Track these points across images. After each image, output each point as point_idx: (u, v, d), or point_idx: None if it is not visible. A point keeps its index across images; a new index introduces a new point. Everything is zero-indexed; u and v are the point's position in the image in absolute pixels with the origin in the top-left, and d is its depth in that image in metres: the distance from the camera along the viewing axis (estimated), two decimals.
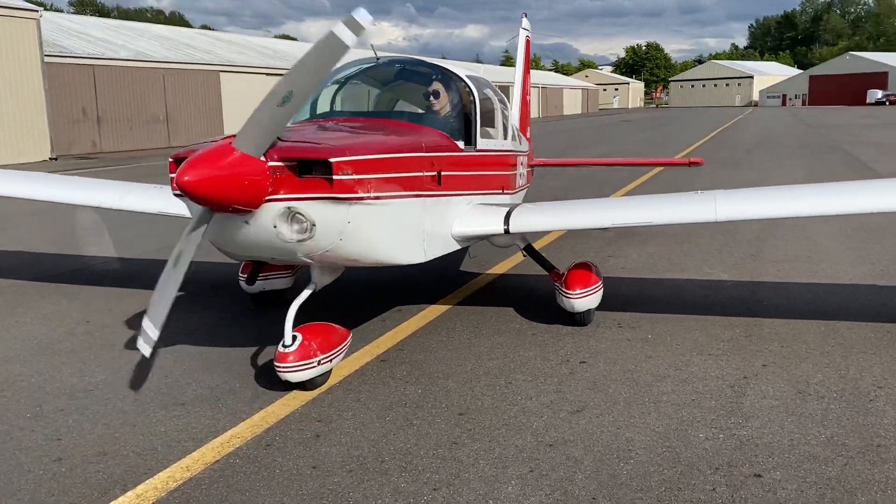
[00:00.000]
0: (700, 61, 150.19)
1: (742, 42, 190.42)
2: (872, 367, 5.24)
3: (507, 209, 6.07)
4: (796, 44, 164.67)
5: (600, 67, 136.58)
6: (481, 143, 6.30)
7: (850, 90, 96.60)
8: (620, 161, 19.42)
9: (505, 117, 7.13)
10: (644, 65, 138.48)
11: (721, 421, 4.44)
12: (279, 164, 4.29)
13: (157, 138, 36.39)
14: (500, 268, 8.53)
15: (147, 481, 3.90)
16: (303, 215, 4.40)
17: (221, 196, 4.06)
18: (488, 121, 6.54)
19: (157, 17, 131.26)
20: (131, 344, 6.09)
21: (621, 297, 7.12)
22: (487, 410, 4.67)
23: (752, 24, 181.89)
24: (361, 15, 3.73)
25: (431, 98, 6.01)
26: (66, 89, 31.48)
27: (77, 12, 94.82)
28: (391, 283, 7.79)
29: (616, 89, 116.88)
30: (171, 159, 4.69)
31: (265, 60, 46.17)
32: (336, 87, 6.28)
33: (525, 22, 11.06)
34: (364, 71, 6.43)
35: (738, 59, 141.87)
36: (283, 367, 4.84)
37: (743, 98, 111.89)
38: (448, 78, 6.17)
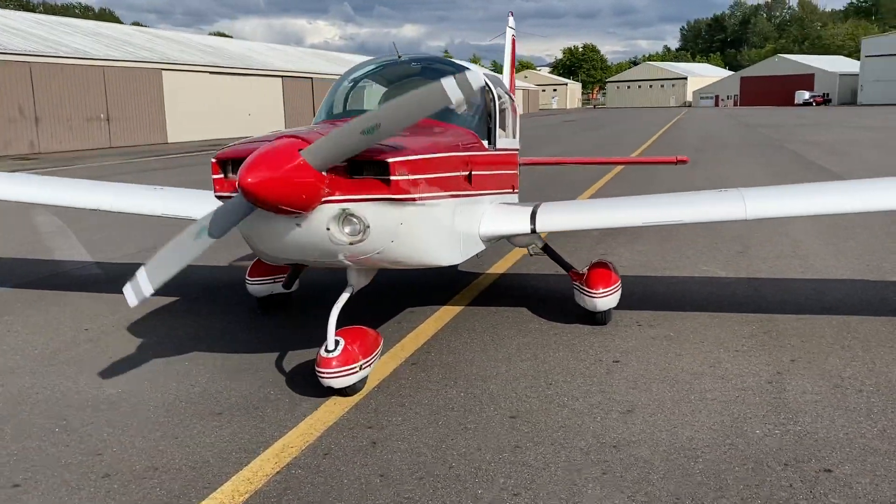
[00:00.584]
0: (635, 63, 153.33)
1: (674, 44, 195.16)
2: None
3: (530, 208, 6.04)
4: (726, 46, 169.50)
5: (538, 68, 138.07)
6: (499, 142, 6.27)
7: (779, 91, 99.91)
8: (606, 160, 19.65)
9: (513, 117, 7.11)
10: (581, 66, 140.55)
11: (771, 417, 4.49)
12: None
13: (98, 138, 35.30)
14: (499, 268, 8.50)
15: (212, 496, 3.74)
16: (357, 217, 4.28)
17: (282, 199, 3.91)
18: (503, 120, 6.50)
19: (86, 13, 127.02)
20: (145, 354, 5.87)
21: (630, 295, 7.15)
22: (538, 412, 4.63)
23: (683, 27, 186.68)
24: (473, 76, 3.75)
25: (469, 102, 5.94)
26: (1, 88, 30.23)
27: None
28: (392, 284, 7.68)
29: (555, 90, 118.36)
30: (214, 160, 4.51)
31: (207, 58, 45.23)
32: (360, 84, 6.16)
33: (511, 21, 11.07)
34: (387, 69, 6.32)
35: (671, 60, 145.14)
36: (328, 373, 4.71)
37: (677, 99, 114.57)
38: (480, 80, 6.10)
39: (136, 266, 4.77)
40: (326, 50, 76.94)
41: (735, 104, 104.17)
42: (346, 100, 6.17)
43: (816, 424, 4.37)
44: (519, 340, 5.99)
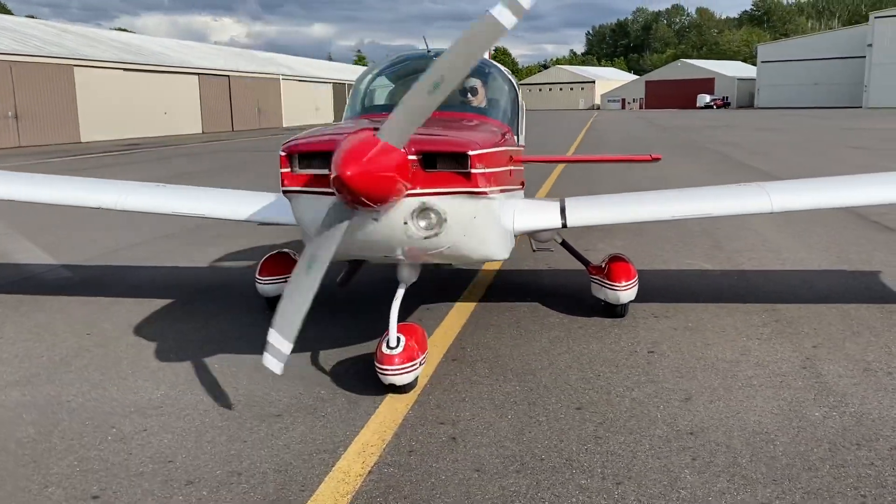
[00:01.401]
0: (545, 66, 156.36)
1: (580, 48, 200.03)
2: None
3: (556, 203, 6.10)
4: (629, 51, 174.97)
5: None
6: (521, 138, 6.32)
7: (681, 94, 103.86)
8: (582, 158, 20.03)
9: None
10: None
11: (822, 400, 4.69)
12: (412, 157, 4.10)
13: (5, 137, 33.41)
14: (491, 265, 8.52)
15: (312, 498, 3.63)
16: (435, 211, 4.23)
17: (378, 192, 3.82)
18: (523, 115, 6.57)
19: None
20: (167, 358, 5.63)
21: None
22: (601, 403, 4.69)
23: (588, 32, 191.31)
24: None
25: (486, 91, 5.95)
26: None
27: None
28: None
29: None
30: (283, 153, 4.35)
31: (120, 55, 43.53)
32: (390, 79, 6.08)
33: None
34: (415, 63, 6.26)
35: (578, 64, 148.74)
36: (391, 370, 4.65)
37: (586, 101, 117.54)
38: (499, 71, 6.13)
39: (106, 268, 4.56)
40: (233, 47, 75.05)
41: (641, 107, 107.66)
42: (379, 94, 6.08)
43: (867, 406, 4.59)
44: (547, 334, 6.04)
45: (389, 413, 4.59)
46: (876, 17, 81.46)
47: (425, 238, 4.32)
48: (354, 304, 6.94)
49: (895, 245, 9.49)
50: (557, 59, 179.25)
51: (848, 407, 4.58)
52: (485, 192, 4.40)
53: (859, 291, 7.31)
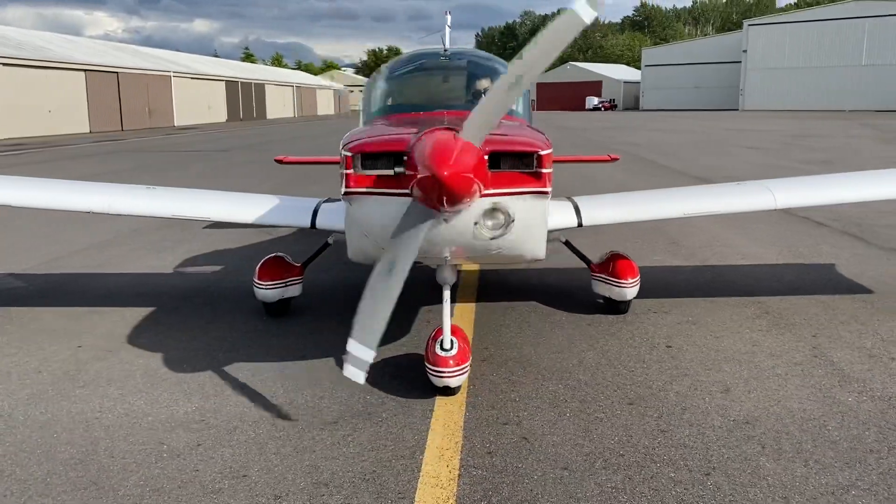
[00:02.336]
0: None
1: None
2: (892, 335, 6.09)
3: (569, 202, 6.19)
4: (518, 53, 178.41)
5: (343, 69, 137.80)
6: None
7: (571, 97, 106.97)
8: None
9: None
10: None
11: (847, 385, 4.96)
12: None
13: None
14: (470, 265, 8.54)
15: None
16: (504, 211, 4.22)
17: (466, 193, 3.76)
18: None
19: None
20: (182, 369, 5.37)
21: None
22: (649, 398, 4.80)
23: (478, 34, 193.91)
24: None
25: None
26: None
27: None
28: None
29: (361, 91, 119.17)
30: (348, 153, 4.22)
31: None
32: (409, 77, 6.00)
33: (449, 20, 11.11)
34: (432, 61, 6.20)
35: None
36: (447, 372, 4.62)
37: None
38: None
39: (63, 277, 4.37)
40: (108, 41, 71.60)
41: (533, 108, 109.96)
42: (399, 92, 5.98)
43: (889, 390, 4.89)
44: (561, 333, 6.12)
45: (447, 416, 4.55)
46: (749, 25, 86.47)
47: (492, 238, 4.30)
48: (320, 310, 6.82)
49: (832, 239, 10.12)
50: None
51: (874, 392, 4.87)
52: (549, 192, 4.42)
53: (827, 283, 7.76)
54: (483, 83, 5.99)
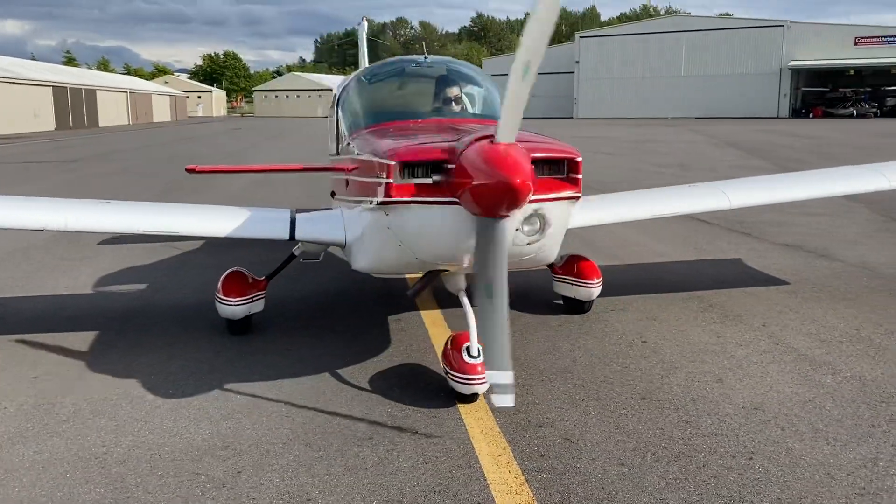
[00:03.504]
0: (279, 73, 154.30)
1: (309, 56, 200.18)
2: (848, 318, 6.67)
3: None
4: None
5: (177, 74, 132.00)
6: None
7: None
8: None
9: None
10: (223, 73, 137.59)
11: (821, 369, 5.39)
12: None
13: None
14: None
15: None
16: (541, 216, 4.29)
17: (528, 197, 3.80)
18: None
19: None
20: (163, 391, 5.15)
21: None
22: (657, 391, 5.03)
23: (317, 40, 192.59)
24: None
25: (491, 99, 6.00)
26: None
27: None
28: (340, 292, 7.41)
29: (199, 97, 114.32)
30: (390, 161, 4.12)
31: None
32: (392, 85, 5.90)
33: (365, 25, 11.04)
34: (413, 69, 6.12)
35: (311, 71, 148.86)
36: (476, 379, 4.64)
37: (324, 109, 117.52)
38: (488, 77, 6.20)
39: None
40: None
41: None
42: (388, 101, 5.88)
43: (855, 370, 5.38)
44: (539, 334, 6.26)
45: (478, 422, 4.57)
46: (581, 37, 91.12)
47: (527, 244, 4.36)
48: (284, 323, 6.67)
49: (726, 236, 10.93)
50: (289, 66, 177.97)
51: (843, 373, 5.35)
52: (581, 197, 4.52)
53: (746, 276, 8.40)
54: (454, 90, 6.02)
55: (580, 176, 4.39)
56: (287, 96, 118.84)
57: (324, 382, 5.24)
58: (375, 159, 4.34)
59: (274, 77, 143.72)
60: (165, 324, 6.69)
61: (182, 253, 9.89)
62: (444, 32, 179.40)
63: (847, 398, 4.88)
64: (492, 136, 3.89)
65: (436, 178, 4.14)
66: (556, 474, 3.93)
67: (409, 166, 4.13)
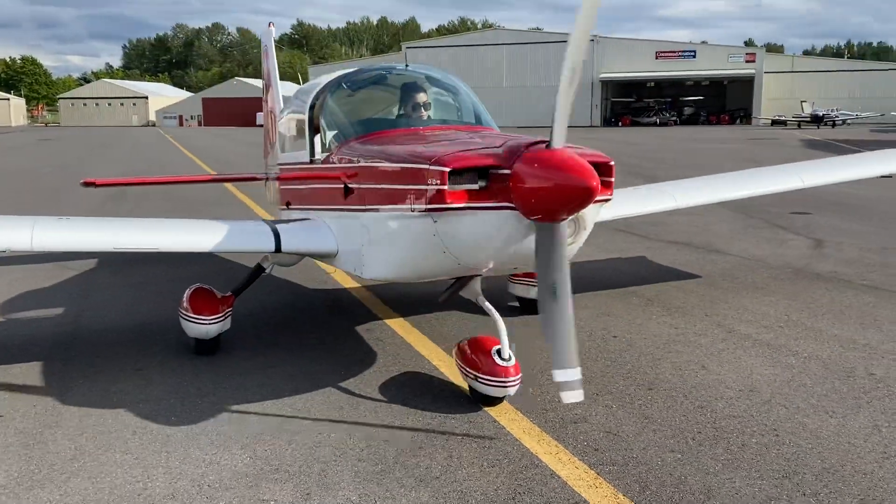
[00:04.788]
0: (86, 80, 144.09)
1: (116, 62, 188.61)
2: (772, 305, 7.33)
3: None
4: (173, 66, 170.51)
5: None
6: None
7: (240, 112, 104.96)
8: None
9: None
10: (21, 80, 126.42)
11: (780, 351, 5.92)
12: None
13: None
14: (345, 280, 8.41)
15: None
16: (580, 219, 4.42)
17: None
18: None
19: None
20: (162, 419, 4.82)
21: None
22: (656, 381, 5.32)
23: (125, 45, 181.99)
24: None
25: (479, 107, 6.03)
26: None
27: None
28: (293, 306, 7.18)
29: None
30: (442, 168, 4.08)
31: None
32: (374, 93, 5.80)
33: (272, 31, 10.65)
34: (394, 77, 5.99)
35: (121, 78, 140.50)
36: (511, 381, 4.73)
37: (140, 118, 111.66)
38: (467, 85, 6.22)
39: None
40: None
41: (199, 124, 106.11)
42: (378, 109, 5.75)
43: (809, 350, 5.97)
44: (516, 335, 6.40)
45: (514, 423, 4.65)
46: (407, 48, 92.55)
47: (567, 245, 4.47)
48: (251, 340, 6.45)
49: (615, 236, 11.55)
50: (96, 72, 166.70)
51: (800, 353, 5.92)
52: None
53: (660, 272, 9.00)
54: (422, 96, 6.03)
55: (613, 179, 4.58)
56: (97, 104, 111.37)
57: (334, 396, 5.10)
58: (416, 166, 4.29)
59: (80, 84, 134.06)
60: (115, 347, 6.21)
61: (79, 273, 9.15)
62: None
63: (819, 375, 5.41)
64: (545, 142, 4.00)
65: (481, 183, 4.18)
66: (620, 466, 4.09)
67: (458, 173, 4.14)
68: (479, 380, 4.79)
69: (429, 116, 5.72)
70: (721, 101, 79.49)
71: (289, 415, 4.80)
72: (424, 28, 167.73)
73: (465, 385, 5.12)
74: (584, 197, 3.80)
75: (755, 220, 12.87)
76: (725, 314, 7.04)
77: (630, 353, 5.96)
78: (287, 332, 6.58)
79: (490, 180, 4.17)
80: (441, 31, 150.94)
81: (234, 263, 9.52)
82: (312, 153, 5.97)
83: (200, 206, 14.91)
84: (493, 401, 4.87)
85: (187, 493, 3.83)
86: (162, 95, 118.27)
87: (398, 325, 6.76)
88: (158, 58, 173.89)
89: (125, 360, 5.89)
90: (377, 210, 4.77)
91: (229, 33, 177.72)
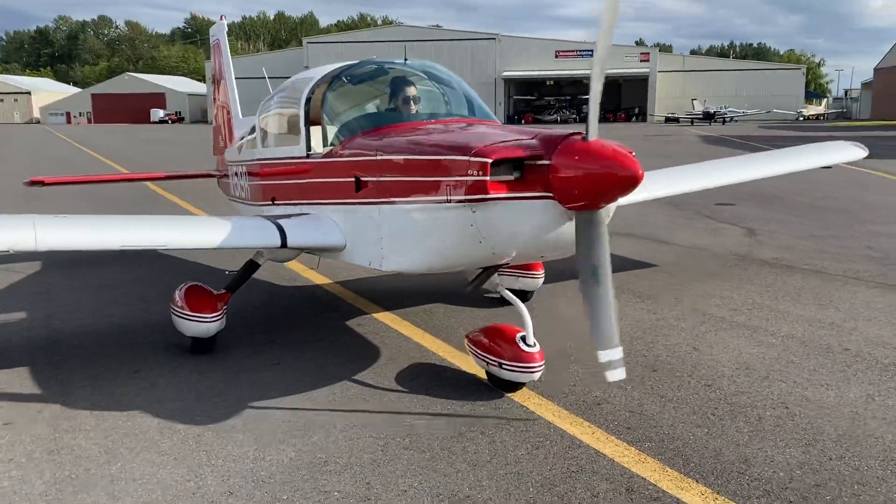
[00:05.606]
0: None
1: None
2: (734, 290, 7.76)
3: None
4: (55, 61, 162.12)
5: None
6: None
7: (132, 109, 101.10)
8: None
9: None
10: None
11: (758, 332, 6.30)
12: None
13: None
14: (315, 277, 8.36)
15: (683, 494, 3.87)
16: (608, 207, 4.59)
17: None
18: None
19: None
20: (189, 420, 4.75)
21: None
22: (657, 364, 5.57)
23: (2, 37, 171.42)
24: None
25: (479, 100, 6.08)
26: None
27: None
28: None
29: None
30: (488, 160, 4.15)
31: None
32: (375, 87, 5.78)
33: (225, 25, 10.37)
34: (394, 71, 5.96)
35: (3, 73, 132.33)
36: (537, 366, 4.88)
37: (23, 115, 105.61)
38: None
39: None
40: None
41: (89, 121, 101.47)
42: (384, 104, 5.71)
43: (782, 329, 6.40)
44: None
45: (542, 407, 4.81)
46: (309, 42, 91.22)
47: None
48: (286, 330, 6.38)
49: None
50: None
51: (776, 333, 6.31)
52: None
53: (617, 261, 9.12)
54: (431, 91, 6.08)
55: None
56: None
57: (354, 389, 5.12)
58: (454, 157, 4.35)
59: None
60: (102, 350, 6.02)
61: (28, 276, 8.73)
62: (154, 33, 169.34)
63: (801, 353, 5.80)
64: (580, 135, 4.15)
65: (516, 174, 4.30)
66: (657, 442, 4.30)
67: (497, 164, 4.24)
68: (504, 366, 4.90)
69: (447, 110, 5.77)
70: (617, 100, 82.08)
71: (315, 408, 4.79)
72: (323, 23, 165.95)
73: (479, 373, 5.24)
74: (630, 185, 3.98)
75: (686, 211, 13.48)
76: (694, 299, 7.41)
77: (622, 338, 6.16)
78: (280, 330, 6.51)
79: (525, 171, 4.29)
80: (340, 27, 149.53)
81: (189, 262, 9.29)
82: (309, 147, 5.92)
83: (129, 206, 14.35)
84: (516, 386, 5.00)
85: (245, 490, 3.79)
86: (46, 91, 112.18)
87: (387, 318, 6.80)
88: (39, 51, 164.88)
89: (118, 362, 5.70)
90: (403, 202, 4.80)
91: (117, 26, 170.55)
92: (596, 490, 3.77)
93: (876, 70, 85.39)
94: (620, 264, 8.97)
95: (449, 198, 4.42)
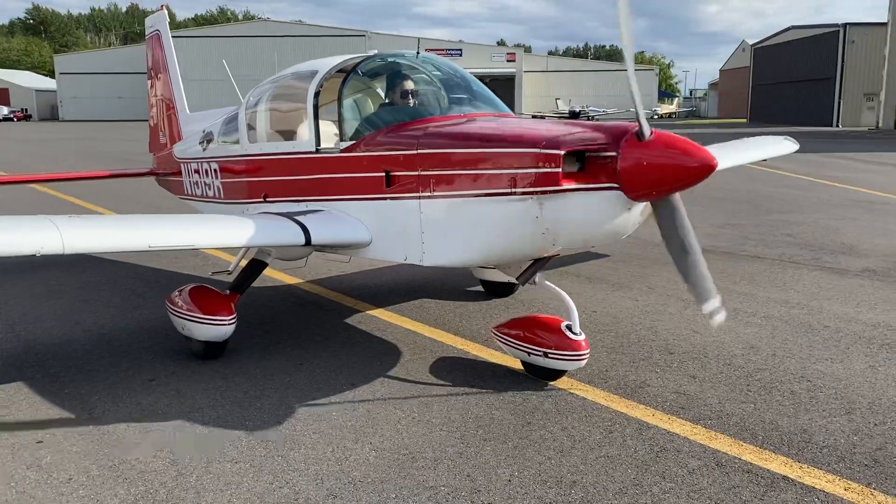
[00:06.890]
0: None
1: None
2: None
3: None
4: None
5: None
6: None
7: None
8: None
9: None
10: None
11: (738, 316, 6.70)
12: None
13: None
14: (285, 277, 8.12)
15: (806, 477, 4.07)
16: None
17: None
18: None
19: None
20: (235, 425, 4.51)
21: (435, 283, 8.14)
22: (668, 346, 5.83)
23: None
24: None
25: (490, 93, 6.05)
26: None
27: None
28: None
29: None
30: (560, 151, 4.19)
31: None
32: (388, 80, 5.64)
33: (165, 14, 9.74)
34: (404, 65, 5.81)
35: None
36: (582, 355, 4.96)
37: None
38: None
39: None
40: None
41: None
42: (402, 99, 5.57)
43: (761, 312, 6.83)
44: (506, 317, 6.64)
45: (589, 393, 4.93)
46: (173, 36, 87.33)
47: (638, 225, 4.78)
48: (291, 331, 6.17)
49: None
50: None
51: (756, 315, 6.73)
52: None
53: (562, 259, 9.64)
54: (409, 84, 6.03)
55: None
56: None
57: (395, 386, 5.06)
58: (522, 150, 4.37)
59: None
60: (99, 360, 5.62)
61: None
62: None
63: (789, 331, 6.23)
64: (637, 129, 4.30)
65: (578, 166, 4.38)
66: (715, 420, 4.51)
67: (567, 156, 4.30)
68: (550, 355, 4.98)
69: (473, 105, 5.72)
70: None
71: (368, 405, 4.69)
72: (180, 17, 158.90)
73: (510, 363, 5.32)
74: (704, 173, 4.14)
75: None
76: (664, 286, 7.76)
77: (623, 324, 6.43)
78: (281, 330, 6.29)
79: (587, 163, 4.38)
80: (199, 21, 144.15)
81: (137, 266, 8.79)
82: (318, 142, 5.75)
83: (26, 208, 13.31)
84: (557, 375, 5.09)
85: (347, 491, 3.68)
86: None
87: (384, 314, 6.73)
88: None
89: (123, 371, 5.35)
90: (452, 196, 4.77)
91: None
92: (690, 467, 3.93)
93: (721, 71, 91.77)
94: (579, 255, 9.26)
95: (513, 190, 4.44)
